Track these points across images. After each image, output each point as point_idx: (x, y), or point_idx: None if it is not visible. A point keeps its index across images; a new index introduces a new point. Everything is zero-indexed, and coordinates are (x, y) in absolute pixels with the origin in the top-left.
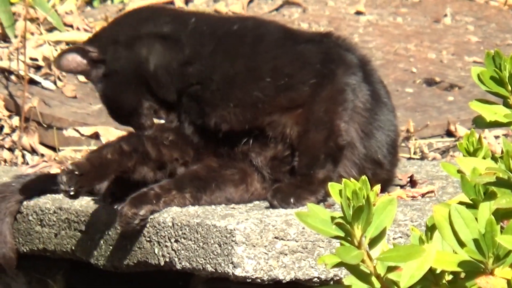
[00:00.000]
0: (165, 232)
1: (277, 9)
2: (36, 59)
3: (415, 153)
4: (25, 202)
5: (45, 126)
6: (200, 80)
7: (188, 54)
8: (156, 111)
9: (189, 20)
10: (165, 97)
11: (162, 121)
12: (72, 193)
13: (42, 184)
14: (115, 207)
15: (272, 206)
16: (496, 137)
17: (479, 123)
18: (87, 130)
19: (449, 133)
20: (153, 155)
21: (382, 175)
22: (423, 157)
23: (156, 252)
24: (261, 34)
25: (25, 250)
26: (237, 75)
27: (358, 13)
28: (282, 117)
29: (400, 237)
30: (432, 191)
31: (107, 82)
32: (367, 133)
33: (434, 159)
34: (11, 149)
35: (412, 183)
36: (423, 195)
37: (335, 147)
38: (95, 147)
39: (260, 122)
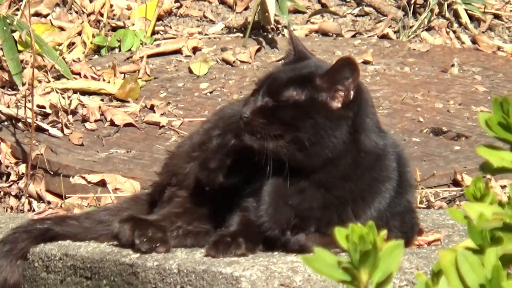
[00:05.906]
0: (171, 279)
1: (283, 58)
2: (43, 107)
3: (421, 202)
4: (31, 249)
5: (52, 173)
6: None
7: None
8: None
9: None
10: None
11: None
12: None
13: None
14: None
15: None
16: (503, 187)
17: (486, 169)
18: (94, 178)
19: (456, 183)
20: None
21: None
22: (429, 206)
23: None
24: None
25: None
26: (356, 205)
27: (366, 62)
28: None
29: (406, 285)
30: (438, 239)
31: None
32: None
33: (440, 208)
34: (17, 196)
35: (419, 231)
36: (429, 243)
37: None
38: (101, 195)
39: None
